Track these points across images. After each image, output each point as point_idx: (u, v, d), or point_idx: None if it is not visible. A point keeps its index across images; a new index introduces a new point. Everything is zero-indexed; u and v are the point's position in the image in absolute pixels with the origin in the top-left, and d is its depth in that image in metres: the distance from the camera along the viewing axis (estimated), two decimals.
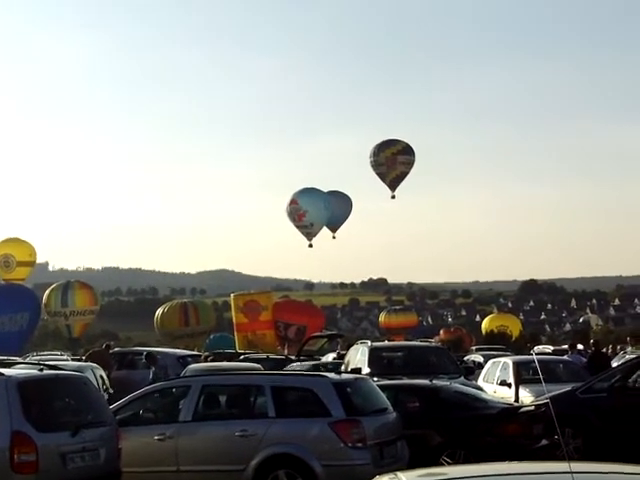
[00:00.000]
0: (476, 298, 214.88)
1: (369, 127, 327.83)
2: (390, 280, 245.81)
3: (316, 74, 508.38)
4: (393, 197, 55.67)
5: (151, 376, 24.21)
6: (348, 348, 26.78)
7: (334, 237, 57.50)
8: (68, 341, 56.09)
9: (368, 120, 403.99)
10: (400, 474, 4.71)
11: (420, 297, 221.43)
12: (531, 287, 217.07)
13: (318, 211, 54.27)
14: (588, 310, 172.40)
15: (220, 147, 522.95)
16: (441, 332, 75.49)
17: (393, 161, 54.89)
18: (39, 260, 66.98)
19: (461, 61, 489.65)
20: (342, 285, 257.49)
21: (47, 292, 53.70)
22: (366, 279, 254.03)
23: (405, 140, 56.66)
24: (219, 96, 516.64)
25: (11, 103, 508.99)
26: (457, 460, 14.81)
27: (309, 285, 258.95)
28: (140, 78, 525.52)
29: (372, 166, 55.48)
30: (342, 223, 57.62)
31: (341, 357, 28.16)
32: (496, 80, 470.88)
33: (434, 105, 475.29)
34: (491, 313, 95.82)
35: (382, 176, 55.17)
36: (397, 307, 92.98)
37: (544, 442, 15.26)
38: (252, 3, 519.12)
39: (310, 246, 55.41)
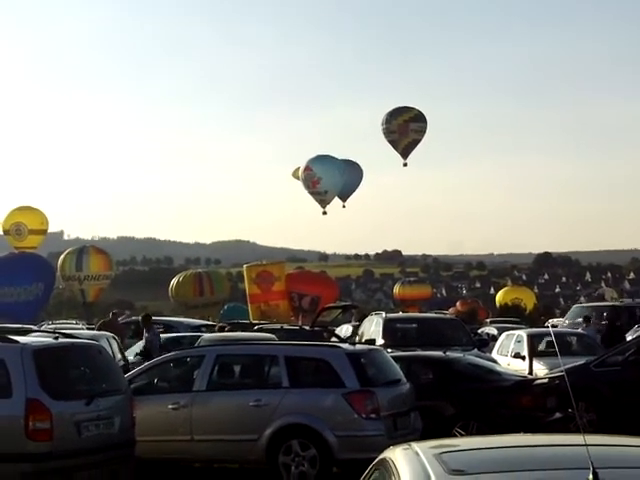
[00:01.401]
0: (491, 270, 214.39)
1: (381, 99, 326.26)
2: (404, 252, 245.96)
3: (327, 44, 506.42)
4: (405, 165, 55.22)
5: (144, 342, 23.73)
6: (362, 319, 26.79)
7: (344, 206, 57.23)
8: (82, 307, 56.08)
9: (379, 92, 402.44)
10: (414, 445, 4.71)
11: (434, 269, 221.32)
12: (546, 260, 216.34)
13: (332, 178, 54.01)
14: (603, 283, 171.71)
15: (233, 118, 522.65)
16: (458, 304, 75.45)
17: (405, 128, 54.34)
18: (54, 229, 67.00)
19: (476, 33, 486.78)
20: (356, 256, 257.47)
21: (62, 256, 53.57)
22: (380, 251, 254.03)
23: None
24: (230, 68, 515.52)
25: (24, 71, 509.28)
26: (470, 432, 14.83)
27: (323, 256, 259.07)
28: (150, 50, 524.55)
29: (384, 134, 54.88)
30: (353, 192, 57.26)
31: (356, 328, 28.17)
32: (515, 52, 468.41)
33: (447, 77, 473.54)
34: (505, 286, 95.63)
35: (394, 144, 54.65)
36: (411, 279, 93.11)
37: (558, 415, 15.26)
38: None
39: (324, 213, 55.19)
